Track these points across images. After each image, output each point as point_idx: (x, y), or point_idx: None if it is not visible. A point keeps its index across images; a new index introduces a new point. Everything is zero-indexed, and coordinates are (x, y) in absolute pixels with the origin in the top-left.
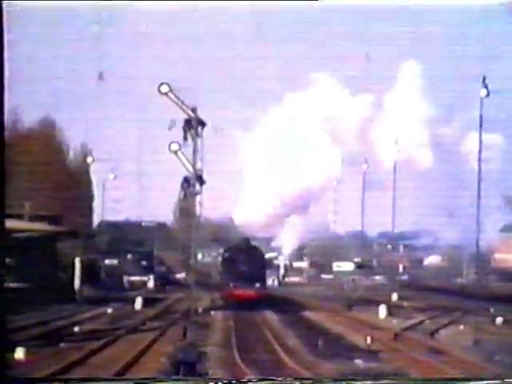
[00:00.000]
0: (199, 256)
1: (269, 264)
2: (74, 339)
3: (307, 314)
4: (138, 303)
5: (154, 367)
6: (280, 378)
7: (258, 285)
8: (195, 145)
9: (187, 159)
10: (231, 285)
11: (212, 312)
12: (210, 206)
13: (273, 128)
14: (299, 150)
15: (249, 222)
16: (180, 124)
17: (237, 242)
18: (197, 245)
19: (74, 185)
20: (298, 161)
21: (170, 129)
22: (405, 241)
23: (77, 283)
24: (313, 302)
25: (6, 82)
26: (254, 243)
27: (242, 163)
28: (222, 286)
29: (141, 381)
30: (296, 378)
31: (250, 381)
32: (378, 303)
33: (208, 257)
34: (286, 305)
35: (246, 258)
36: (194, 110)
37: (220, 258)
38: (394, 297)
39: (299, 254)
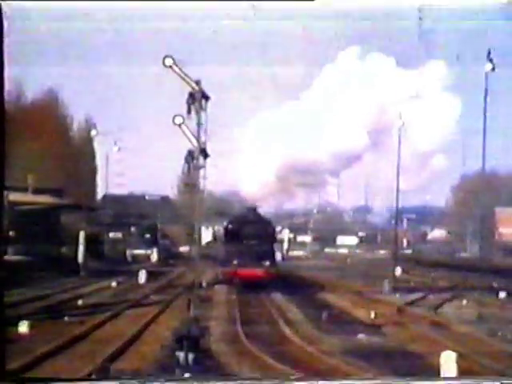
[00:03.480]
0: (203, 229)
1: None
2: (78, 313)
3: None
4: (142, 277)
5: (157, 341)
6: (282, 378)
7: (267, 263)
8: (199, 118)
9: (191, 132)
10: (235, 262)
11: (216, 286)
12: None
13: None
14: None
15: (253, 193)
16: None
17: (242, 212)
18: (201, 218)
19: (78, 158)
20: (304, 131)
21: None
22: (409, 215)
23: (80, 256)
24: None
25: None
26: (262, 214)
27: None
28: (225, 263)
29: (143, 380)
30: (299, 378)
31: (254, 379)
32: (381, 277)
33: (212, 230)
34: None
35: (252, 231)
36: (198, 83)
37: (223, 231)
38: (398, 271)
39: (303, 227)
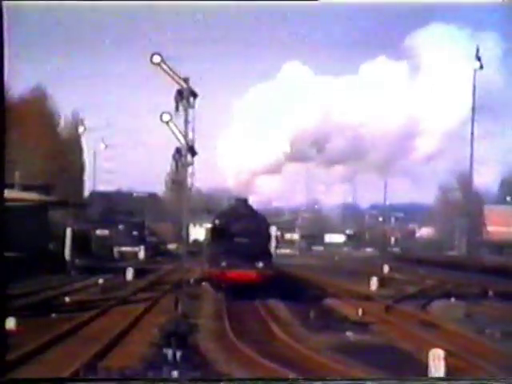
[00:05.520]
0: (191, 226)
1: None
2: (65, 310)
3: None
4: (129, 274)
5: (145, 339)
6: (284, 378)
7: (260, 263)
8: (187, 115)
9: (179, 130)
10: (223, 263)
11: (203, 283)
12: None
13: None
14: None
15: (242, 186)
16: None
17: (232, 205)
18: (188, 215)
19: (66, 154)
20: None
21: None
22: (396, 213)
23: (67, 253)
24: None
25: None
26: (254, 207)
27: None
28: (212, 264)
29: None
30: (299, 378)
31: (251, 380)
32: (369, 275)
33: (204, 228)
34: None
35: (244, 226)
36: (186, 81)
37: (210, 227)
38: (386, 269)
39: (291, 225)
